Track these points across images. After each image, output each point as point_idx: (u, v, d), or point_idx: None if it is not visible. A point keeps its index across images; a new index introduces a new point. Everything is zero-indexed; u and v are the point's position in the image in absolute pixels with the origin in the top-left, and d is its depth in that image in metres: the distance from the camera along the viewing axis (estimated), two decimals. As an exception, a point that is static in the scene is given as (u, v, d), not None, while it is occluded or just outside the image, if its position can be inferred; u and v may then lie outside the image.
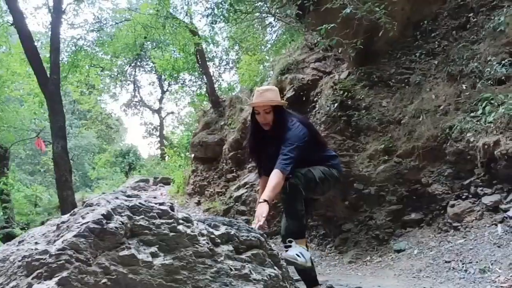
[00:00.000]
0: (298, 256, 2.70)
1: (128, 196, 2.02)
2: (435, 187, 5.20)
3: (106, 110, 23.71)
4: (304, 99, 7.97)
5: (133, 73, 20.32)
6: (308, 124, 3.23)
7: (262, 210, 2.70)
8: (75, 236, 1.69)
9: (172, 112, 25.90)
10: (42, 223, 8.16)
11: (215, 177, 10.20)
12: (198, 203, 9.96)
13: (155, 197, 11.34)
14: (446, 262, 4.24)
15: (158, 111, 24.37)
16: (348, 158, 6.17)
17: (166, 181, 13.46)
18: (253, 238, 2.21)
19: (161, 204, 2.01)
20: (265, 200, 2.74)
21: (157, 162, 19.13)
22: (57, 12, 6.15)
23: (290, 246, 2.80)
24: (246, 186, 8.28)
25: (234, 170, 9.44)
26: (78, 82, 9.63)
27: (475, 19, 5.83)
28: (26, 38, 5.94)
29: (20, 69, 9.18)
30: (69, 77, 8.89)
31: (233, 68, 15.55)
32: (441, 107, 5.45)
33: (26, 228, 9.13)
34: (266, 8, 6.67)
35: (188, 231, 1.97)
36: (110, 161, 20.25)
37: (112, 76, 16.55)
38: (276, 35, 10.00)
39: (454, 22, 6.12)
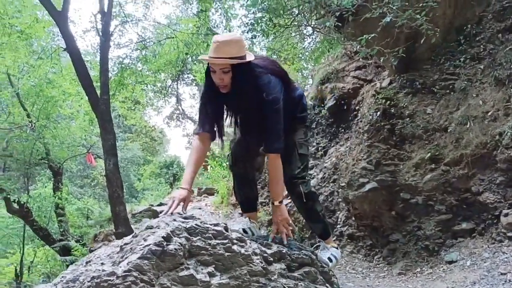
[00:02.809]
0: (330, 260, 2.61)
1: (185, 217, 2.12)
2: (486, 195, 5.05)
3: (150, 123, 24.41)
4: (345, 107, 7.95)
5: (175, 86, 20.82)
6: (276, 70, 2.59)
7: (282, 216, 2.48)
8: (139, 258, 1.81)
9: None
10: (95, 236, 8.53)
11: (258, 188, 10.28)
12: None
13: (200, 208, 11.56)
14: (501, 274, 4.11)
15: (199, 122, 24.81)
16: (393, 167, 6.09)
17: (210, 192, 13.67)
18: (304, 256, 2.26)
19: (216, 225, 2.10)
20: (280, 202, 2.50)
21: (200, 173, 19.48)
22: (105, 36, 6.49)
23: (318, 247, 2.75)
24: (289, 197, 8.30)
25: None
26: (125, 98, 10.05)
27: (522, 21, 5.66)
28: (78, 62, 6.29)
29: (71, 89, 9.69)
30: (116, 95, 9.30)
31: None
32: (490, 113, 5.30)
33: (80, 241, 9.56)
34: (305, 21, 6.72)
35: (242, 250, 2.05)
36: (155, 172, 20.80)
37: (156, 90, 17.07)
38: (315, 44, 10.03)
39: (500, 25, 5.94)
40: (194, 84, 22.04)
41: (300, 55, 11.70)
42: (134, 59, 9.20)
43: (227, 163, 2.90)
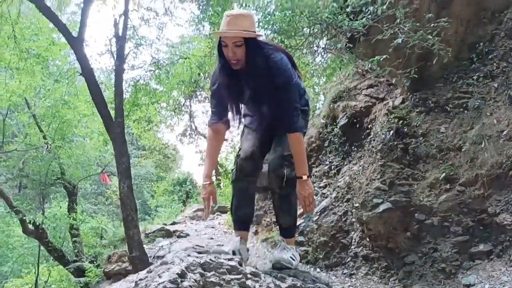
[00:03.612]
0: (293, 259, 2.55)
1: (199, 252, 2.13)
2: (503, 216, 4.97)
3: (163, 140, 24.61)
4: (358, 126, 7.92)
5: (188, 104, 21.02)
6: (284, 51, 2.61)
7: (310, 189, 2.44)
8: (154, 296, 1.82)
9: (226, 139, 26.42)
10: (109, 257, 8.56)
11: (271, 206, 10.23)
12: (256, 233, 10.01)
13: (213, 227, 11.55)
14: (521, 299, 4.02)
15: (212, 139, 24.94)
16: (407, 187, 6.03)
17: (223, 210, 13.64)
18: (319, 289, 2.25)
19: (230, 259, 2.11)
20: (308, 176, 2.48)
21: (212, 190, 19.48)
22: (120, 59, 6.62)
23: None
24: (303, 216, 8.24)
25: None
26: (139, 118, 10.19)
27: (535, 39, 5.63)
28: (93, 86, 6.41)
29: (86, 111, 9.87)
30: (130, 115, 9.44)
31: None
32: (504, 132, 5.24)
33: (94, 261, 9.60)
34: (316, 42, 6.77)
35: (257, 285, 2.05)
36: (168, 190, 20.89)
37: (169, 108, 17.26)
38: (326, 62, 10.06)
39: (513, 43, 5.92)
40: (207, 101, 22.22)
41: (312, 71, 11.75)
42: (148, 80, 9.33)
43: (231, 177, 2.78)
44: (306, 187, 2.47)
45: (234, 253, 2.49)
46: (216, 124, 2.55)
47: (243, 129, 2.82)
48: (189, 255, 2.07)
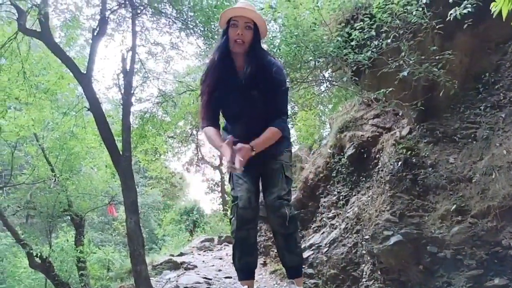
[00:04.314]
0: None
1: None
2: (517, 250, 4.86)
3: (170, 169, 24.65)
4: (365, 156, 7.88)
5: (195, 133, 21.12)
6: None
7: (246, 153, 2.36)
8: None
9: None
10: (116, 292, 8.45)
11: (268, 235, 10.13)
12: (264, 264, 9.88)
13: (220, 258, 11.41)
14: (540, 338, 3.88)
15: (218, 167, 24.95)
16: (418, 219, 5.94)
17: (230, 240, 13.53)
18: None
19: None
20: (251, 146, 2.41)
21: (220, 219, 19.38)
22: (127, 94, 6.69)
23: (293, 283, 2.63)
24: (312, 247, 8.14)
25: (299, 230, 9.34)
26: (146, 150, 10.23)
27: (542, 69, 5.63)
28: (100, 121, 6.47)
29: (93, 143, 9.94)
30: (137, 147, 9.48)
31: (289, 123, 15.77)
32: (515, 163, 5.18)
33: (101, 295, 9.50)
34: (322, 74, 6.82)
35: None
36: (175, 219, 20.79)
37: (176, 138, 17.35)
38: (331, 92, 10.11)
39: (519, 73, 5.92)
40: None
41: (318, 100, 11.81)
42: (155, 112, 9.40)
43: (230, 228, 2.72)
44: (248, 154, 2.39)
45: None
46: (210, 125, 2.59)
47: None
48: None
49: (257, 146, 2.44)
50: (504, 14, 2.52)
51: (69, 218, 11.13)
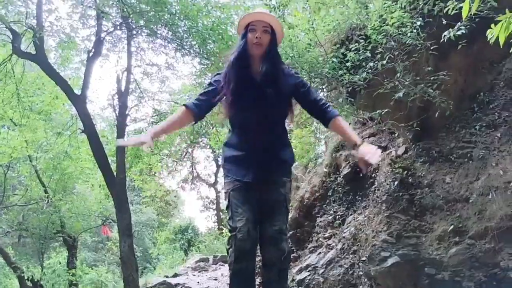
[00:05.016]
0: None
1: None
2: (517, 271, 4.82)
3: (165, 186, 24.51)
4: (361, 175, 7.85)
5: (190, 151, 21.08)
6: None
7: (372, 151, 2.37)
8: None
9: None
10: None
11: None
12: (260, 286, 9.72)
13: (216, 279, 11.25)
14: None
15: (213, 185, 24.84)
16: (415, 239, 5.89)
17: (225, 260, 13.36)
18: None
19: None
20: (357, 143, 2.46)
21: (215, 237, 19.19)
22: (122, 116, 6.66)
23: None
24: (309, 268, 8.03)
25: (294, 251, 9.23)
26: (141, 170, 10.15)
27: (535, 88, 5.67)
28: (95, 143, 6.43)
29: (87, 164, 9.85)
30: (132, 167, 9.41)
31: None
32: (512, 184, 5.17)
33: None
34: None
35: None
36: (170, 238, 20.58)
37: (171, 156, 17.27)
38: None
39: (513, 92, 5.95)
40: (208, 147, 22.29)
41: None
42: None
43: (228, 259, 2.59)
44: (368, 146, 2.42)
45: None
46: (190, 109, 2.52)
47: (229, 189, 2.62)
48: None
49: (357, 137, 2.53)
50: (502, 41, 2.52)
51: (62, 240, 10.95)
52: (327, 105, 2.60)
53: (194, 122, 2.65)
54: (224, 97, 2.57)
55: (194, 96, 2.64)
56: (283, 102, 2.56)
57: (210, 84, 2.63)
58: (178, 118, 2.56)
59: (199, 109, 2.55)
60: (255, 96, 2.51)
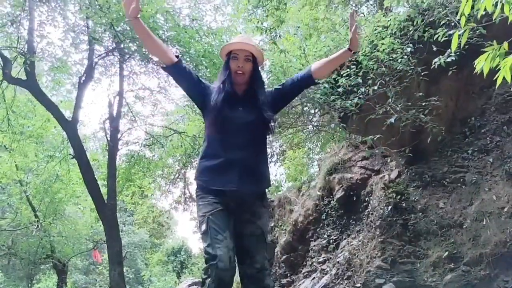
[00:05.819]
0: None
1: None
2: (513, 299, 4.76)
3: (157, 208, 24.26)
4: (355, 198, 7.82)
5: (182, 172, 20.95)
6: None
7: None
8: None
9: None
10: None
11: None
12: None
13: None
14: None
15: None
16: (410, 265, 5.83)
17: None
18: None
19: None
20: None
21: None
22: (113, 141, 6.60)
23: None
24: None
25: (289, 275, 9.12)
26: (133, 193, 10.04)
27: (526, 113, 5.71)
28: (85, 169, 6.34)
29: (78, 187, 9.73)
30: (123, 191, 9.30)
31: (277, 162, 15.70)
32: (505, 209, 5.16)
33: None
34: (309, 120, 6.83)
35: None
36: (162, 260, 20.30)
37: (164, 177, 17.12)
38: (319, 134, 10.13)
39: (504, 117, 5.98)
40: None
41: (306, 139, 11.81)
42: (142, 155, 9.29)
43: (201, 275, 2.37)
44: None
45: None
46: (178, 58, 2.53)
47: (207, 212, 2.40)
48: None
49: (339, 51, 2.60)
50: (485, 71, 2.57)
51: (52, 265, 10.74)
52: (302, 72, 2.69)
53: (165, 66, 2.57)
54: (205, 104, 2.59)
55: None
56: (265, 119, 2.54)
57: (200, 80, 2.64)
58: (164, 46, 2.60)
59: (180, 64, 2.56)
60: (237, 105, 2.55)
